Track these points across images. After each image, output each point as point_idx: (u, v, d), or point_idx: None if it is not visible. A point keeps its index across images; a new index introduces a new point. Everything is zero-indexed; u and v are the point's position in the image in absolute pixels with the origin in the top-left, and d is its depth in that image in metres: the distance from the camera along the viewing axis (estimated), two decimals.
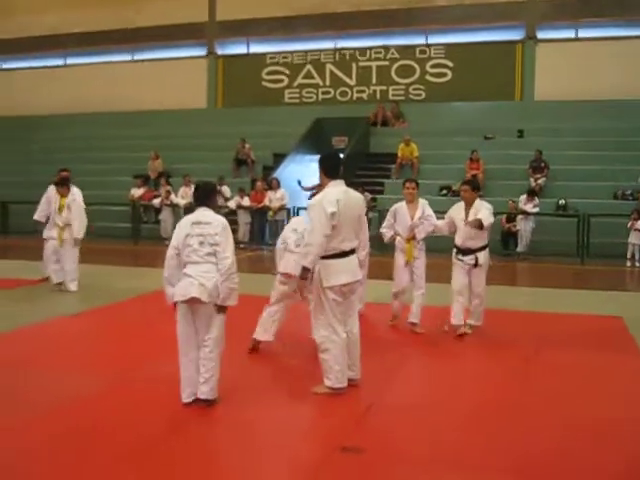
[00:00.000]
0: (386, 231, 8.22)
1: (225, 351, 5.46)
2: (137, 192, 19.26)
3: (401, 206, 8.08)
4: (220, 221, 5.32)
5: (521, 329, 8.20)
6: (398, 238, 8.08)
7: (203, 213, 5.38)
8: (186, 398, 5.28)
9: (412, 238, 7.95)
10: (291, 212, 16.99)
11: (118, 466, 4.26)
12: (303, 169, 18.56)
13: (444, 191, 18.00)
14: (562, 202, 16.61)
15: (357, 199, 5.81)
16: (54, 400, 5.49)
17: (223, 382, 5.41)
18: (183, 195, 18.12)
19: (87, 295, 10.42)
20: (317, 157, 5.94)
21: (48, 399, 5.51)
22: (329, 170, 5.73)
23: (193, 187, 17.35)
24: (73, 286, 10.62)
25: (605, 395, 5.83)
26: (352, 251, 5.68)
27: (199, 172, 19.31)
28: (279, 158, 20.15)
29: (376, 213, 16.83)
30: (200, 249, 5.20)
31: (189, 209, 17.71)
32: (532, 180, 17.40)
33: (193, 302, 5.17)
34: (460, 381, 6.19)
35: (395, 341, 7.71)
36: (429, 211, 8.02)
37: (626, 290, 11.30)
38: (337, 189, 5.61)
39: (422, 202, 8.08)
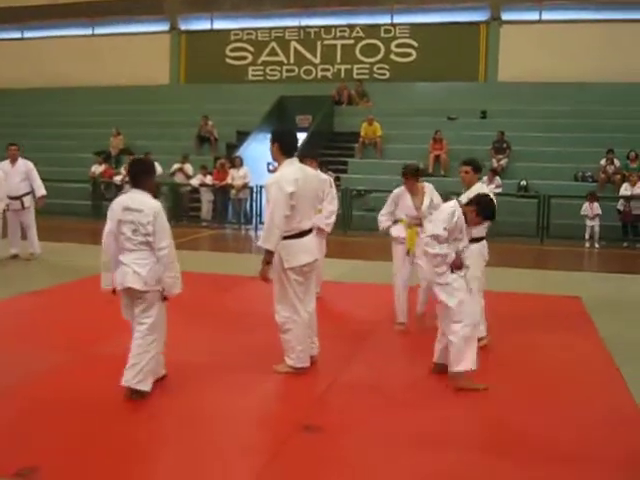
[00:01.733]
0: (385, 219, 7.31)
1: (185, 331, 5.42)
2: (98, 169, 18.97)
3: (403, 192, 7.19)
4: (152, 208, 4.93)
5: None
6: (394, 228, 7.24)
7: (134, 197, 5.00)
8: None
9: (418, 225, 7.03)
10: (254, 190, 16.92)
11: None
12: (266, 148, 18.27)
13: None
14: (523, 183, 16.75)
15: (313, 176, 5.78)
16: (16, 376, 5.45)
17: (183, 362, 5.37)
18: None
19: (48, 272, 10.30)
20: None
21: (9, 375, 5.48)
22: (286, 147, 5.62)
23: (155, 164, 17.17)
24: None
25: (562, 374, 5.92)
26: (310, 230, 5.66)
27: (161, 149, 19.14)
28: (242, 136, 19.97)
29: (339, 192, 16.82)
30: (133, 237, 4.92)
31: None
32: (494, 161, 17.50)
33: (129, 291, 4.99)
34: (420, 360, 6.21)
35: (356, 319, 7.72)
36: (438, 199, 7.09)
37: (584, 270, 11.45)
38: (293, 167, 5.55)
39: (429, 188, 7.18)
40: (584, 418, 4.93)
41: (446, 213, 5.39)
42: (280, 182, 5.37)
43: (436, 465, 4.15)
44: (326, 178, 8.40)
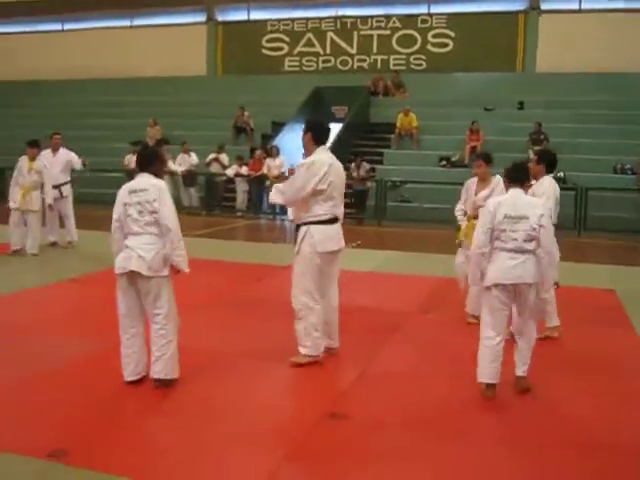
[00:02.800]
0: (460, 216, 7.27)
1: (215, 319, 5.46)
2: (132, 159, 19.15)
3: (473, 182, 7.19)
4: (156, 185, 4.99)
5: None
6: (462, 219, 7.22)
7: (139, 180, 5.06)
8: (128, 377, 5.07)
9: (474, 217, 6.75)
10: None
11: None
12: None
13: (443, 162, 17.90)
14: (561, 175, 16.49)
15: (340, 167, 5.80)
16: (54, 360, 5.61)
17: (212, 350, 5.42)
18: (180, 162, 18.04)
19: (85, 260, 10.49)
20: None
21: (47, 359, 5.63)
22: (320, 137, 5.69)
23: (192, 154, 17.21)
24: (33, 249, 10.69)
25: (597, 367, 5.86)
26: (338, 218, 5.70)
27: (197, 139, 19.27)
28: (278, 127, 20.04)
29: (374, 183, 16.84)
30: (140, 218, 4.94)
31: (186, 176, 17.71)
32: (531, 152, 17.27)
33: (133, 275, 4.97)
34: (450, 351, 6.19)
35: (388, 311, 7.71)
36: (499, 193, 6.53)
37: (620, 263, 11.29)
38: (326, 155, 5.62)
39: (496, 180, 6.92)
40: (616, 411, 4.88)
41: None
42: (315, 164, 5.46)
43: (460, 458, 4.14)
44: None
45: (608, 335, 6.88)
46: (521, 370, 5.13)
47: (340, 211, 5.70)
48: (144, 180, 5.04)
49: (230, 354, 5.88)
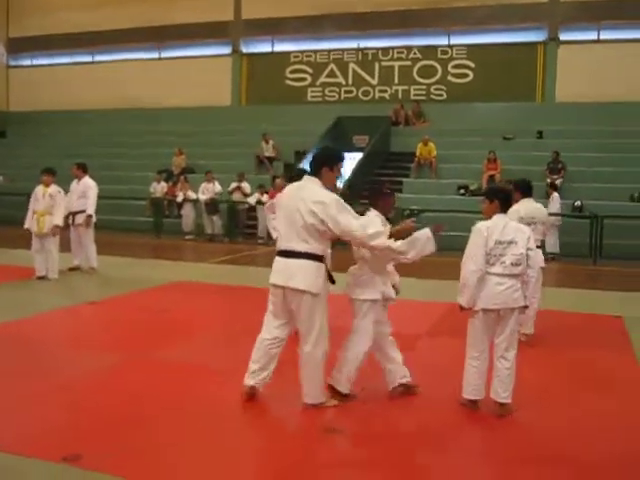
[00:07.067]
0: None
1: (231, 342, 5.69)
2: (157, 187, 19.66)
3: None
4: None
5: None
6: None
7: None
8: None
9: None
10: None
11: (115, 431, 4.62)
12: None
13: (462, 191, 18.16)
14: (578, 203, 16.69)
15: (298, 195, 5.36)
16: (71, 374, 6.00)
17: (215, 370, 5.65)
18: (204, 191, 18.46)
19: (106, 284, 10.89)
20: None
21: (65, 373, 6.02)
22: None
23: (215, 183, 17.59)
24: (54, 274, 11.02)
25: (595, 389, 6.06)
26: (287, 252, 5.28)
27: (221, 168, 19.73)
28: (300, 156, 20.41)
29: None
30: None
31: (209, 204, 18.13)
32: (549, 181, 17.48)
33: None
34: (452, 368, 6.41)
35: (395, 333, 7.92)
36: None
37: (632, 291, 11.42)
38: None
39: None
40: (600, 428, 5.08)
41: None
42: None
43: (450, 470, 4.37)
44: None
45: (605, 357, 7.07)
46: (501, 397, 5.23)
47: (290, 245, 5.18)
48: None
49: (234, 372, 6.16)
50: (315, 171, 5.23)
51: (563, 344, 7.55)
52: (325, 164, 5.22)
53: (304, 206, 5.04)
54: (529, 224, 6.79)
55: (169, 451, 4.49)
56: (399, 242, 5.24)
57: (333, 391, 5.40)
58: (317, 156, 5.35)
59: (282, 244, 5.22)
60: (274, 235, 6.56)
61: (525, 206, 7.31)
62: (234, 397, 5.47)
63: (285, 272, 5.14)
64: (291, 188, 5.36)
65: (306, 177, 5.31)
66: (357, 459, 4.48)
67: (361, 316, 5.39)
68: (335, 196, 5.11)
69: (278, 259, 5.24)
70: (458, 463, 4.45)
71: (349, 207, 5.11)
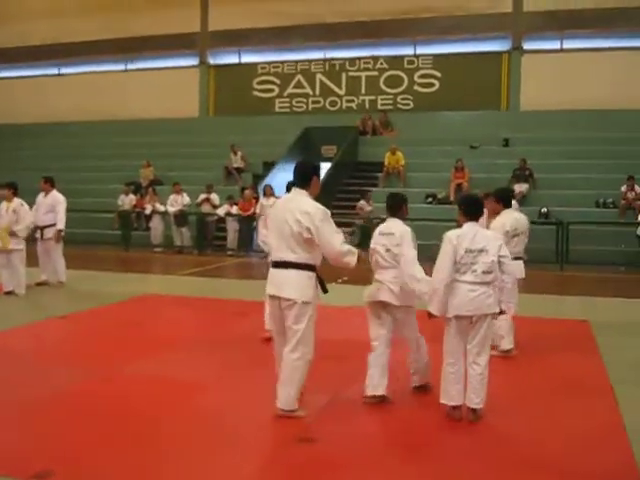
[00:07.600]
0: None
1: (199, 352, 5.66)
2: (125, 200, 19.55)
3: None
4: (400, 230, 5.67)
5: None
6: None
7: (388, 225, 5.80)
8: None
9: None
10: None
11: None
12: (292, 177, 18.79)
13: (429, 199, 18.31)
14: (544, 210, 16.92)
15: (287, 208, 5.53)
16: (42, 389, 5.89)
17: (191, 380, 5.64)
18: (172, 203, 18.39)
19: (75, 298, 10.79)
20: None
21: (35, 388, 5.92)
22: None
23: (184, 195, 17.53)
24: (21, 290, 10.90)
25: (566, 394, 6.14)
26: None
27: (190, 180, 19.67)
28: (269, 166, 20.45)
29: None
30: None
31: (178, 216, 18.05)
32: (515, 188, 17.68)
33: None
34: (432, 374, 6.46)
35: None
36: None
37: (598, 295, 11.61)
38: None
39: (504, 216, 7.36)
40: (571, 431, 5.15)
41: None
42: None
43: (425, 476, 4.41)
44: None
45: (574, 362, 7.17)
46: (474, 402, 5.28)
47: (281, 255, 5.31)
48: (391, 224, 5.77)
49: (208, 381, 6.15)
50: (307, 181, 5.38)
51: (533, 349, 7.62)
52: (315, 173, 5.46)
53: (292, 217, 5.19)
54: (514, 237, 7.01)
55: (142, 466, 4.46)
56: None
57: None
58: (306, 167, 5.51)
59: (275, 255, 5.37)
60: (265, 249, 6.90)
61: (509, 218, 7.27)
62: (210, 409, 5.47)
63: (277, 282, 5.30)
64: (281, 201, 5.60)
65: (294, 190, 5.44)
66: (332, 466, 4.50)
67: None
68: (322, 207, 5.25)
69: (272, 270, 5.40)
70: (434, 471, 4.48)
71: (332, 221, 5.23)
